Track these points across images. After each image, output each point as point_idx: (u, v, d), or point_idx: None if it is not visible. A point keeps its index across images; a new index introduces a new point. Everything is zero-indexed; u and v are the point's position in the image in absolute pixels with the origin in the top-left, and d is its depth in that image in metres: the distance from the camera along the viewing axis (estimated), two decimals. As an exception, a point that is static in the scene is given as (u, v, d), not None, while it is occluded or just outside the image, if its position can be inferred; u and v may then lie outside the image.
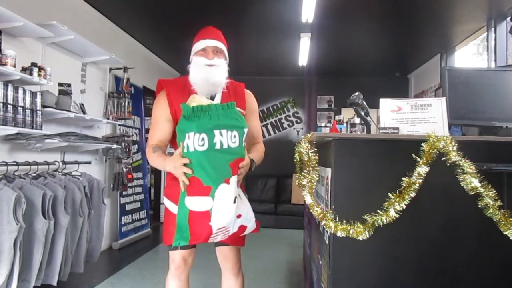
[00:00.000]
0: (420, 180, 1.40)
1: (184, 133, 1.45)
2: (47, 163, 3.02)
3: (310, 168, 1.56)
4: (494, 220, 1.38)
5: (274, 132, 7.10)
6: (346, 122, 2.88)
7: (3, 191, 2.33)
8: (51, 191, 2.64)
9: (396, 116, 1.70)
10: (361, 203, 1.47)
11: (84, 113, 3.58)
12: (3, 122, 2.50)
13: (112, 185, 4.29)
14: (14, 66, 2.62)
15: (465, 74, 1.96)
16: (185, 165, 1.44)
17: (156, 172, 6.38)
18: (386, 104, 1.72)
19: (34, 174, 2.84)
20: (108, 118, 4.17)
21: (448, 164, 1.41)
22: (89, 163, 3.68)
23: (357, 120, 2.27)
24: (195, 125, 1.43)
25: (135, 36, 5.04)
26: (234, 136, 1.48)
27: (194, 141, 1.43)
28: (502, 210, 1.38)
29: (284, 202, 6.36)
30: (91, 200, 3.21)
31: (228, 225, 1.52)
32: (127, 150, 4.44)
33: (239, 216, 1.56)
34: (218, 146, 1.45)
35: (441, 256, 1.46)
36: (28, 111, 2.71)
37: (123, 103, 4.36)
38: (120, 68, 4.43)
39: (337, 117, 4.27)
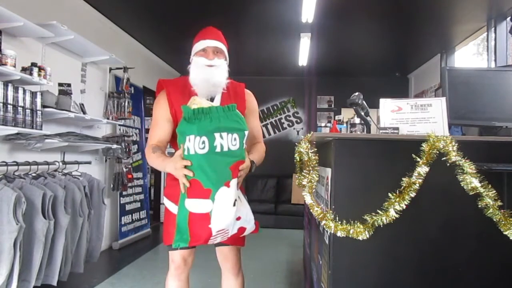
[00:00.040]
0: (420, 180, 1.40)
1: (184, 135, 1.45)
2: (47, 163, 3.02)
3: (310, 168, 1.56)
4: (494, 220, 1.38)
5: (274, 132, 7.10)
6: (346, 122, 2.88)
7: (3, 191, 2.33)
8: (51, 191, 2.64)
9: (396, 116, 1.70)
10: (361, 203, 1.47)
11: (84, 113, 3.58)
12: (3, 122, 2.50)
13: (112, 185, 4.29)
14: (14, 66, 2.62)
15: (465, 74, 1.96)
16: (185, 167, 1.45)
17: (156, 172, 6.38)
18: (386, 104, 1.72)
19: (34, 174, 2.84)
20: (108, 118, 4.17)
21: (448, 164, 1.41)
22: (89, 163, 3.68)
23: (357, 120, 2.27)
24: (196, 128, 1.43)
25: (135, 36, 5.04)
26: (235, 139, 1.48)
27: (194, 144, 1.42)
28: (502, 210, 1.38)
29: (284, 202, 6.36)
30: (91, 200, 3.21)
31: (228, 228, 1.52)
32: (127, 150, 4.44)
33: (238, 219, 1.56)
34: (218, 149, 1.44)
35: (441, 256, 1.46)
36: (28, 111, 2.71)
37: (123, 103, 4.36)
38: (120, 68, 4.43)
39: (337, 117, 4.27)
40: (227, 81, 1.75)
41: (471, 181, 1.37)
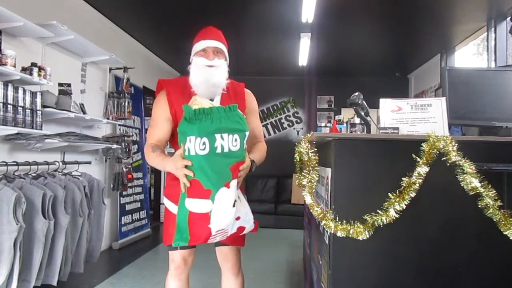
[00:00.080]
0: (420, 180, 1.40)
1: (185, 135, 1.45)
2: (47, 163, 3.02)
3: (310, 168, 1.56)
4: (494, 220, 1.38)
5: (274, 132, 7.10)
6: (346, 122, 2.88)
7: (3, 191, 2.33)
8: (51, 191, 2.64)
9: (396, 116, 1.70)
10: (361, 203, 1.47)
11: (84, 113, 3.58)
12: (3, 122, 2.50)
13: (112, 185, 4.29)
14: (14, 66, 2.62)
15: (465, 74, 1.96)
16: (186, 167, 1.44)
17: (156, 172, 6.38)
18: (386, 104, 1.72)
19: (34, 174, 2.84)
20: (108, 118, 4.17)
21: (448, 164, 1.41)
22: (89, 163, 3.68)
23: (357, 120, 2.27)
24: (197, 128, 1.42)
25: (135, 36, 5.04)
26: (235, 140, 1.48)
27: (195, 145, 1.42)
28: (502, 210, 1.38)
29: (284, 202, 6.36)
30: (91, 200, 3.21)
31: (227, 227, 1.53)
32: (127, 150, 4.44)
33: (238, 218, 1.57)
34: (219, 150, 1.44)
35: (441, 256, 1.46)
36: (28, 111, 2.71)
37: (123, 103, 4.36)
38: (120, 68, 4.43)
39: (337, 117, 4.27)
40: (227, 82, 1.75)
41: (471, 181, 1.37)
